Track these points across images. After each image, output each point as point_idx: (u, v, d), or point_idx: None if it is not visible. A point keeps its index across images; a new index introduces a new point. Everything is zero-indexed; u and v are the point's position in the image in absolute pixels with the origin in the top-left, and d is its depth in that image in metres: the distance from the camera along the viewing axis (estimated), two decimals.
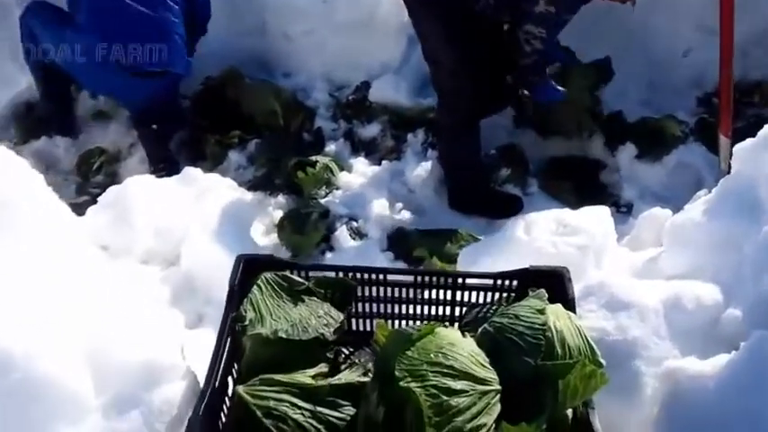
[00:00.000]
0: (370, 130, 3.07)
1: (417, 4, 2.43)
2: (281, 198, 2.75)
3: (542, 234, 1.91)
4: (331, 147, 2.99)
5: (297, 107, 3.17)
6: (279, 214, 2.64)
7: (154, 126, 2.87)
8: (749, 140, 1.47)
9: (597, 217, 2.03)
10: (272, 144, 3.02)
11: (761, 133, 1.46)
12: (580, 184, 2.67)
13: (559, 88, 2.41)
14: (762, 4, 2.65)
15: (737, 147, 1.51)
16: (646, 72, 2.95)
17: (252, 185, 2.83)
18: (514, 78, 2.52)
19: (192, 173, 2.53)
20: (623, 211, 2.57)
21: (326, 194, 2.69)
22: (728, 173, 2.10)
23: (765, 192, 1.39)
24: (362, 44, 3.18)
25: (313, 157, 2.80)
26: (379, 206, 2.62)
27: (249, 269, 1.41)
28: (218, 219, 2.29)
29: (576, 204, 2.53)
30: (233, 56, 3.33)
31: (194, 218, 2.28)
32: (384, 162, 2.86)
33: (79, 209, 2.32)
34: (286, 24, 3.24)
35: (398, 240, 2.46)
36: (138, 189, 2.25)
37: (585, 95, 2.70)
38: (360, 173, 2.84)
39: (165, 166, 2.86)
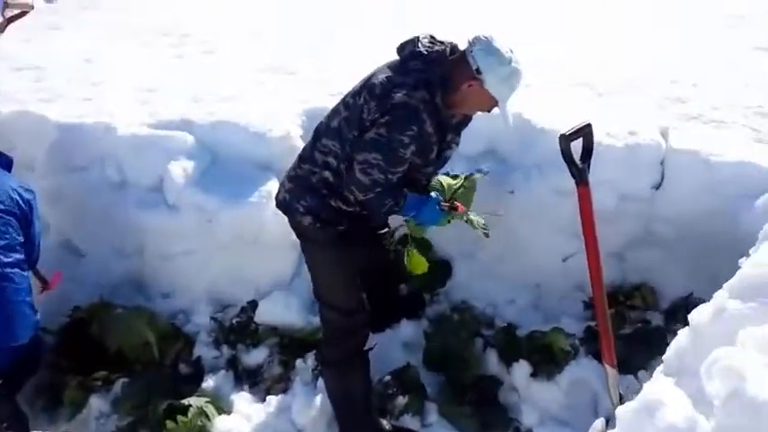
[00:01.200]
0: (256, 357, 2.85)
1: (307, 241, 2.37)
2: None
3: None
4: (210, 382, 2.72)
5: (174, 335, 2.94)
6: None
7: None
8: (630, 405, 1.36)
9: None
10: (142, 383, 2.72)
11: (640, 398, 1.35)
12: (480, 408, 2.52)
13: (431, 195, 2.24)
14: (630, 209, 2.77)
15: (619, 410, 1.39)
16: (533, 277, 2.97)
17: None
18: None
19: None
20: None
21: None
22: (620, 402, 2.03)
23: None
24: (249, 261, 3.06)
25: (186, 400, 2.53)
26: None
27: None
28: None
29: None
30: (108, 278, 3.14)
31: None
32: (269, 397, 2.62)
33: None
34: (165, 246, 3.08)
35: None
36: None
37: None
38: (241, 413, 2.57)
39: (10, 424, 2.45)
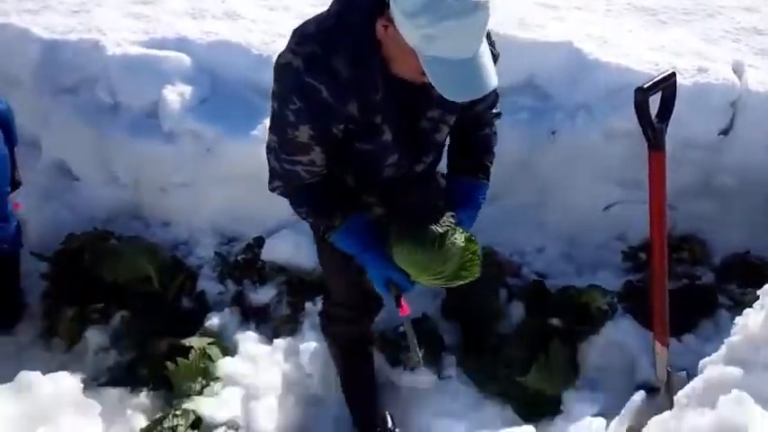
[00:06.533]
0: (263, 295, 2.77)
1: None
2: (144, 398, 2.38)
3: None
4: (214, 319, 2.63)
5: (176, 268, 2.85)
6: (140, 421, 2.27)
7: None
8: (703, 422, 1.19)
9: None
10: (142, 319, 2.66)
11: (718, 420, 1.15)
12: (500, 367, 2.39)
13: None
14: (692, 156, 2.57)
15: (654, 420, 1.23)
16: (566, 227, 2.81)
17: (111, 378, 2.48)
18: None
19: (27, 380, 2.12)
20: None
21: (203, 389, 2.36)
22: (667, 382, 1.91)
23: None
24: (253, 196, 2.91)
25: (188, 341, 2.46)
26: (267, 404, 2.30)
27: None
28: None
29: (496, 395, 2.30)
30: (103, 206, 3.06)
31: None
32: (277, 340, 2.55)
33: None
34: (162, 176, 2.96)
35: None
36: None
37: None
38: (247, 356, 2.51)
39: None
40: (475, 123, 1.77)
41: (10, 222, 2.57)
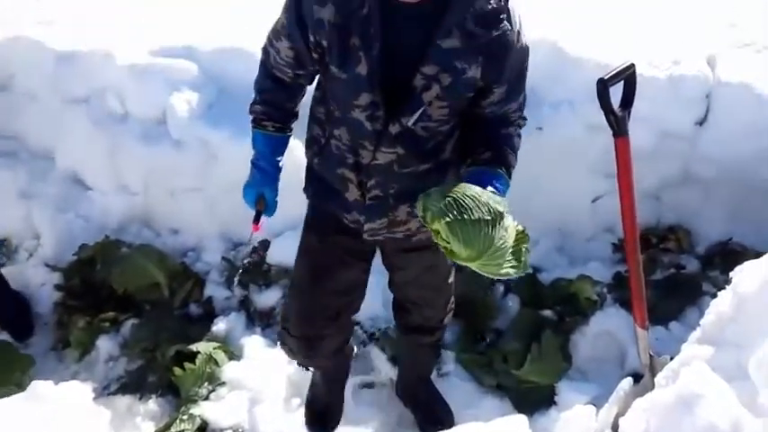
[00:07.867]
0: (269, 298, 2.80)
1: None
2: (152, 404, 2.41)
3: None
4: (221, 325, 2.67)
5: (184, 274, 2.89)
6: (149, 427, 2.31)
7: None
8: (668, 395, 1.21)
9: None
10: (151, 326, 2.69)
11: (677, 390, 1.18)
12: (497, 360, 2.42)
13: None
14: (670, 147, 2.60)
15: (657, 403, 1.24)
16: (558, 219, 2.83)
17: (121, 386, 2.50)
18: None
19: (40, 389, 2.13)
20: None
21: (209, 394, 2.38)
22: (651, 363, 1.94)
23: None
24: None
25: (195, 346, 2.49)
26: (271, 408, 2.33)
27: None
28: None
29: (493, 388, 2.33)
30: (115, 214, 3.10)
31: None
32: None
33: None
34: (171, 182, 3.00)
35: None
36: None
37: None
38: (252, 358, 2.53)
39: None
40: (500, 121, 1.59)
41: None
